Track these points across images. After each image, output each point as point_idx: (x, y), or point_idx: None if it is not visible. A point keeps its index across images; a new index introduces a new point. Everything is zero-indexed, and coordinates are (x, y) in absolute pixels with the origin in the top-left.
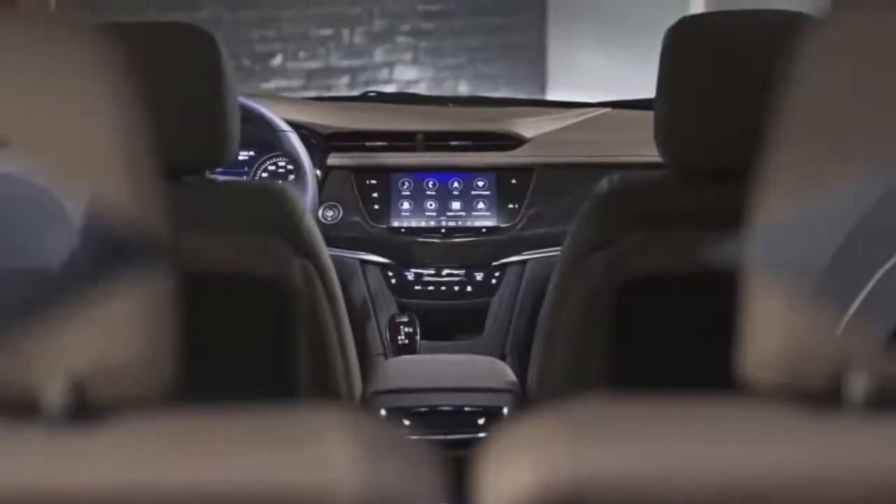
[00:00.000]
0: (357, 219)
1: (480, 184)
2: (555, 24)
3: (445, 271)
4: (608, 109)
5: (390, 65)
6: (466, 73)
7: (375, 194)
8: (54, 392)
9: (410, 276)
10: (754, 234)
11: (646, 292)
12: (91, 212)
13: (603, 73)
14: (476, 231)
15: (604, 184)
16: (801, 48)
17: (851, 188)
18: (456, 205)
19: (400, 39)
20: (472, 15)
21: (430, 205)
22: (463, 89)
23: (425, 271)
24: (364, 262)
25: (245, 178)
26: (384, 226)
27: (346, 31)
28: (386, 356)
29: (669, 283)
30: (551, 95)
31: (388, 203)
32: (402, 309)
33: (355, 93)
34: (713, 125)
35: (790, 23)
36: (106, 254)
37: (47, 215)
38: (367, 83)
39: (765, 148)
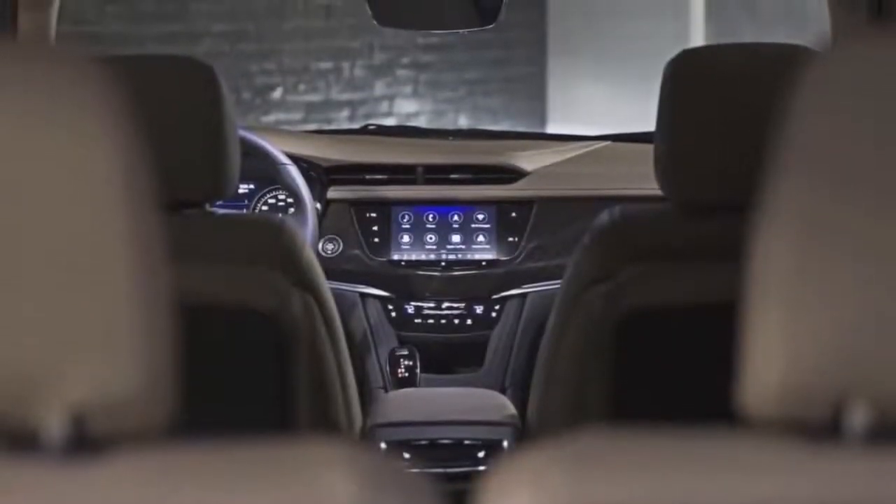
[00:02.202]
0: (357, 252)
1: (480, 217)
2: (554, 57)
3: (445, 304)
4: (608, 143)
5: (390, 98)
6: (466, 106)
7: (375, 227)
8: (54, 424)
9: (410, 310)
10: (754, 266)
11: (646, 325)
12: (91, 244)
13: (603, 107)
14: (476, 264)
15: (604, 217)
16: (801, 81)
17: (852, 220)
18: (456, 238)
19: (400, 72)
20: (472, 48)
21: (430, 238)
22: (463, 122)
23: (425, 304)
24: (364, 296)
25: (245, 211)
26: (384, 259)
27: (346, 65)
28: (386, 389)
29: (669, 316)
30: (551, 128)
31: (388, 236)
32: (402, 342)
33: (355, 126)
34: (713, 158)
35: (790, 55)
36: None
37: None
38: (368, 116)
39: (765, 181)
